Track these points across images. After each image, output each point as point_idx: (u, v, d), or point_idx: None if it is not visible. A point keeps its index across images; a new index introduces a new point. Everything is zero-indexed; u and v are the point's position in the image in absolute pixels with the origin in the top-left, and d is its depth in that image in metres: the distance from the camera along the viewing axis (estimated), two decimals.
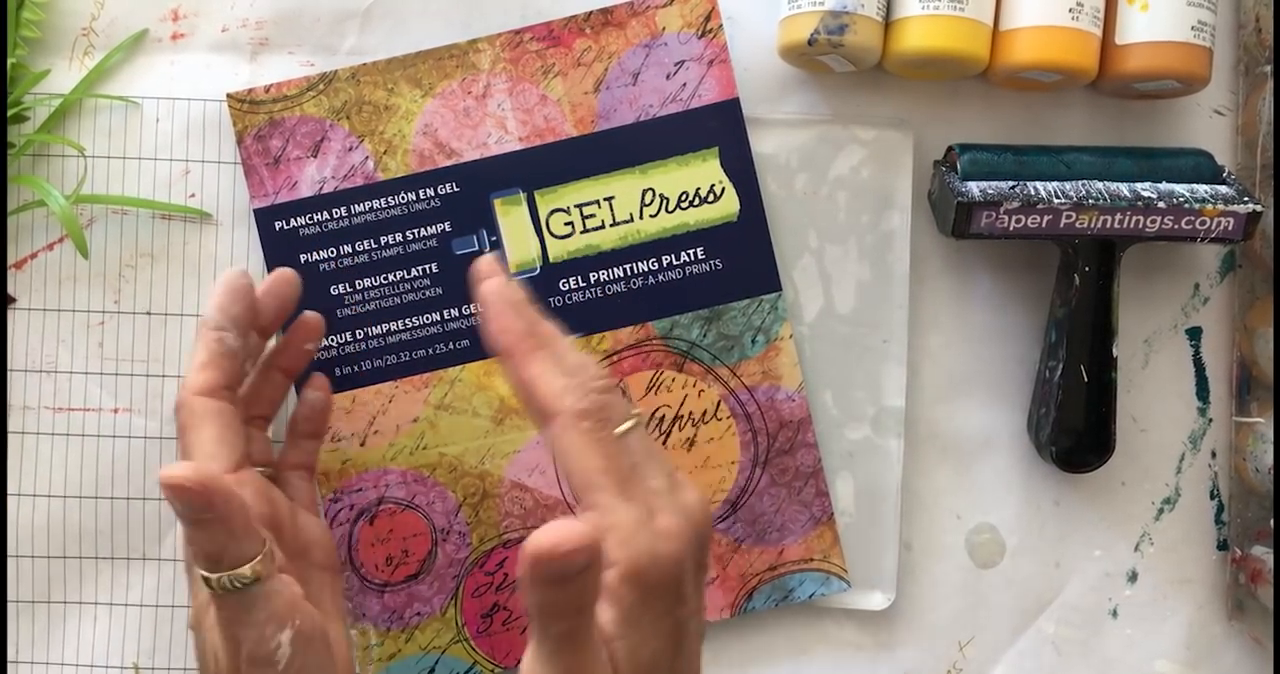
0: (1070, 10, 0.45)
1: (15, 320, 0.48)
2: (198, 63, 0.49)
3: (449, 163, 0.48)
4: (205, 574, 0.34)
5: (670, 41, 0.48)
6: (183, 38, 0.49)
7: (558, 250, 0.48)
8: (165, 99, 0.48)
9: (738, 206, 0.48)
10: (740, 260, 0.48)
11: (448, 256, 0.48)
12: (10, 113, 0.47)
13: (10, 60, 0.46)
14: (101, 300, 0.48)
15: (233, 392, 0.41)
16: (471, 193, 0.48)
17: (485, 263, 0.37)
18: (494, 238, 0.48)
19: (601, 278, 0.48)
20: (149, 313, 0.48)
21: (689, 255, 0.48)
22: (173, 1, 0.49)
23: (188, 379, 0.40)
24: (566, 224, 0.48)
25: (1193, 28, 0.45)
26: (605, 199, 0.48)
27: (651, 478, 0.33)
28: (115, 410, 0.48)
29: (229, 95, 0.48)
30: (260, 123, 0.48)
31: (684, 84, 0.48)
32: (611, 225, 0.48)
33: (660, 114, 0.48)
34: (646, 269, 0.48)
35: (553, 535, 0.28)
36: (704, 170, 0.48)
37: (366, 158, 0.48)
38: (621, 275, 0.48)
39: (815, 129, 0.49)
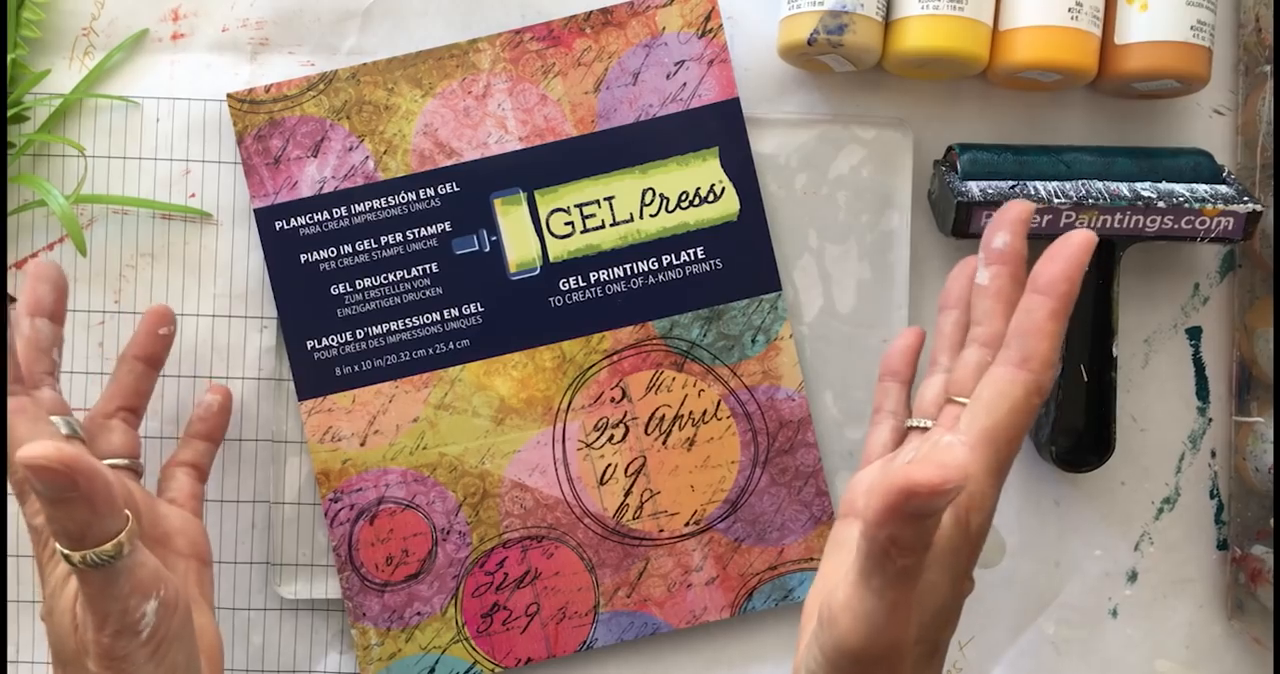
0: (1070, 10, 0.45)
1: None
2: (198, 63, 0.49)
3: (449, 163, 0.48)
4: (67, 552, 0.33)
5: (670, 41, 0.48)
6: (183, 38, 0.49)
7: (558, 250, 0.48)
8: (165, 99, 0.48)
9: (738, 206, 0.48)
10: (740, 260, 0.48)
11: (448, 256, 0.48)
12: (10, 113, 0.47)
13: (10, 59, 0.46)
14: (102, 300, 0.48)
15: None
16: (472, 192, 0.48)
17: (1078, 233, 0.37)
18: (494, 237, 0.48)
19: (602, 277, 0.48)
20: None
21: (689, 255, 0.48)
22: (173, 1, 0.49)
23: None
24: (567, 224, 0.48)
25: (1192, 28, 0.45)
26: (605, 199, 0.48)
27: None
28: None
29: (229, 95, 0.48)
30: (260, 123, 0.48)
31: (684, 84, 0.48)
32: (612, 225, 0.48)
33: (660, 114, 0.48)
34: (646, 269, 0.48)
35: (938, 472, 0.29)
36: (704, 170, 0.48)
37: (367, 157, 0.48)
38: (622, 275, 0.48)
39: (815, 129, 0.49)
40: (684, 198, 0.48)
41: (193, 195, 0.48)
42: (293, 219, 0.48)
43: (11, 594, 0.48)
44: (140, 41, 0.49)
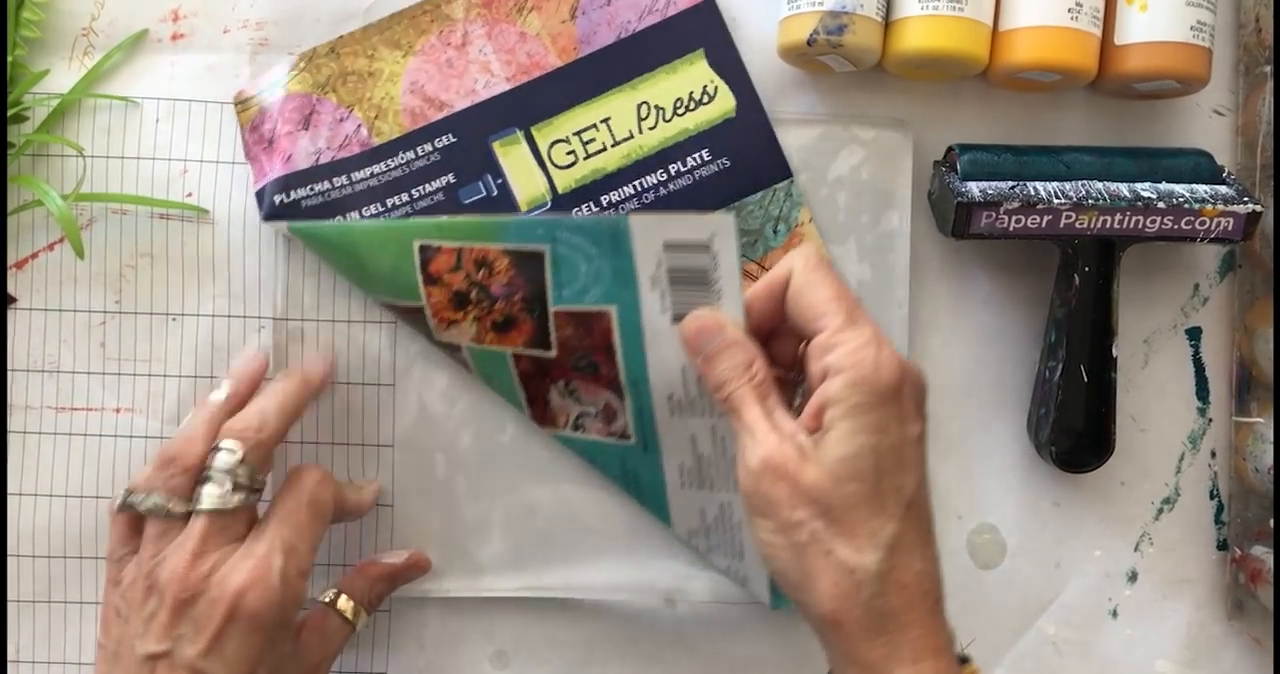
0: (1069, 10, 0.45)
1: (16, 320, 0.48)
2: (198, 63, 0.49)
3: (441, 115, 0.48)
4: None
5: None
6: (183, 38, 0.49)
7: (565, 180, 0.48)
8: (165, 100, 0.48)
9: (734, 102, 0.48)
10: (746, 154, 0.48)
11: (457, 206, 0.47)
12: (10, 113, 0.47)
13: (10, 59, 0.46)
14: (103, 300, 0.48)
15: None
16: (469, 140, 0.48)
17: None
18: (499, 180, 0.48)
19: (614, 199, 0.48)
20: (150, 312, 0.48)
21: (695, 159, 0.48)
22: (173, 2, 0.49)
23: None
24: (569, 153, 0.48)
25: (1192, 28, 0.45)
26: (602, 121, 0.48)
27: (869, 321, 0.38)
28: (117, 410, 0.48)
29: (235, 101, 0.48)
30: (254, 116, 0.48)
31: None
32: (613, 146, 0.48)
33: (640, 28, 0.48)
34: (656, 181, 0.48)
35: (693, 322, 0.39)
36: (693, 74, 0.48)
37: (359, 126, 0.47)
38: (632, 192, 0.48)
39: (815, 129, 0.49)
40: (679, 105, 0.48)
41: (189, 195, 0.48)
42: (292, 191, 0.47)
43: (11, 594, 0.48)
44: (140, 42, 0.49)
